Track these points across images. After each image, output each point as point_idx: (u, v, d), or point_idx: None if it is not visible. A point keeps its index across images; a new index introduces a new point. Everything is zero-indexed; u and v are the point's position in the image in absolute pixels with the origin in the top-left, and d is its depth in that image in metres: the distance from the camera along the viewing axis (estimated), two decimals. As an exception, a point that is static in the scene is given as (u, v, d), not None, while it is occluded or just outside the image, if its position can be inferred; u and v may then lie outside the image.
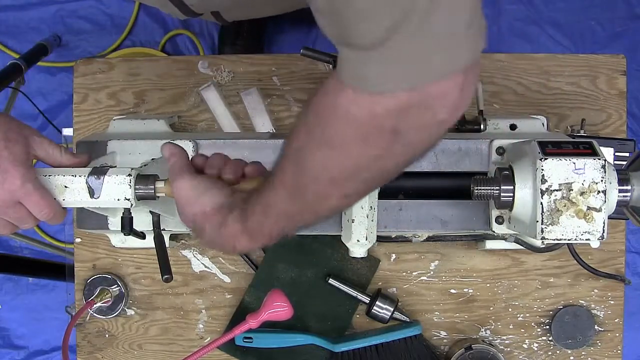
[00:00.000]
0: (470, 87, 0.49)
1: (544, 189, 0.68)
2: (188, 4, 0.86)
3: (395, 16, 0.43)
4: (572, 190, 0.68)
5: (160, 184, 0.71)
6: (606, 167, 0.68)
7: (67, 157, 0.74)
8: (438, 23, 0.44)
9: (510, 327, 1.00)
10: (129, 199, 0.70)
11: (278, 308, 0.78)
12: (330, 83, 0.50)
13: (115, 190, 0.69)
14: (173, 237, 0.98)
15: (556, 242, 0.70)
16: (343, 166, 0.52)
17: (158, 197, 0.72)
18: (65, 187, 0.70)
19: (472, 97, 0.52)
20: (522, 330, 1.00)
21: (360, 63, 0.46)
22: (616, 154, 0.86)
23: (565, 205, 0.68)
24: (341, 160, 0.52)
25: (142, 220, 0.79)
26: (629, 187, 0.71)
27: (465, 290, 1.00)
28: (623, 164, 0.85)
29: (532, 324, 1.00)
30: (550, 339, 0.99)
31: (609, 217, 0.70)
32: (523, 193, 0.72)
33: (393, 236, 0.95)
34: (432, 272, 1.00)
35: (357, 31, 0.45)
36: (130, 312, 1.02)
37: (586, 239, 0.69)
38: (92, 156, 0.78)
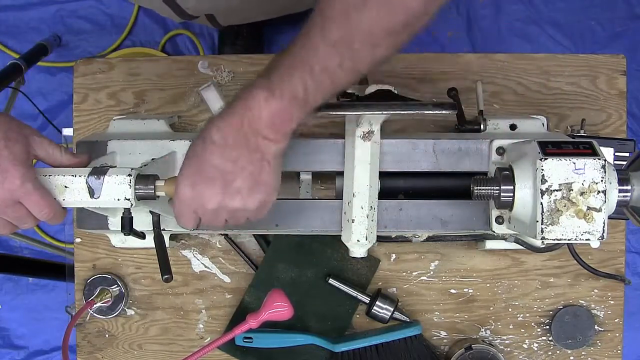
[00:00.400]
0: None
1: (544, 189, 0.68)
2: (183, 7, 0.87)
3: None
4: (572, 190, 0.68)
5: (160, 182, 0.71)
6: (606, 167, 0.68)
7: (67, 157, 0.74)
8: None
9: (510, 327, 1.00)
10: (129, 199, 0.70)
11: (278, 308, 0.79)
12: None
13: (115, 190, 0.69)
14: (173, 237, 0.98)
15: (556, 242, 0.70)
16: (399, 16, 0.57)
17: (158, 197, 0.72)
18: (65, 187, 0.70)
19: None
20: (522, 330, 1.00)
21: None
22: (616, 154, 0.86)
23: (565, 205, 0.68)
24: (398, 10, 0.57)
25: (142, 220, 0.79)
26: (629, 187, 0.71)
27: (465, 290, 1.00)
28: (623, 164, 0.85)
29: (532, 324, 1.00)
30: (550, 339, 0.99)
31: (609, 217, 0.70)
32: (523, 193, 0.72)
33: (393, 236, 0.95)
34: (432, 272, 1.00)
35: None
36: (130, 312, 1.02)
37: (586, 239, 0.69)
38: (92, 156, 0.78)
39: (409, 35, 0.60)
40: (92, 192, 0.70)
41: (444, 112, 0.76)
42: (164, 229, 0.80)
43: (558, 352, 0.99)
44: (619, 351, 0.99)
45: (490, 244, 0.93)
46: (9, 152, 0.67)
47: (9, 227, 0.71)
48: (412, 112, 0.74)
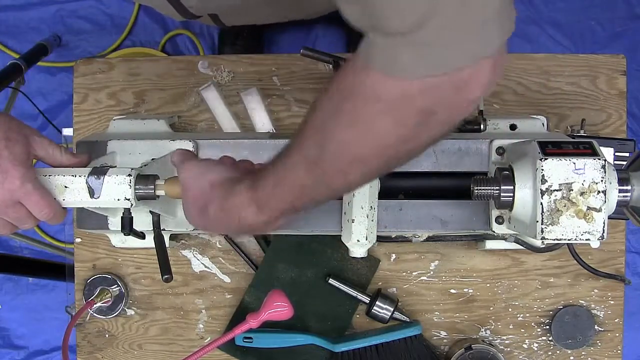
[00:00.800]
0: (501, 67, 0.50)
1: (544, 189, 0.68)
2: (187, 5, 0.87)
3: (430, 3, 0.44)
4: (572, 190, 0.68)
5: (160, 182, 0.72)
6: (606, 167, 0.68)
7: (67, 157, 0.74)
8: (472, 10, 0.45)
9: (510, 327, 1.00)
10: (129, 199, 0.70)
11: (278, 308, 0.78)
12: (355, 65, 0.51)
13: (115, 190, 0.69)
14: (173, 237, 0.98)
15: (556, 242, 0.70)
16: (368, 144, 0.53)
17: (158, 196, 0.72)
18: (65, 187, 0.70)
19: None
20: (522, 330, 1.00)
21: (392, 48, 0.47)
22: (616, 154, 0.86)
23: (565, 205, 0.68)
24: (367, 138, 0.53)
25: (142, 220, 0.79)
26: (629, 187, 0.71)
27: (465, 290, 1.00)
28: (623, 164, 0.85)
29: (532, 324, 1.00)
30: (550, 339, 0.99)
31: (609, 217, 0.70)
32: (523, 193, 0.72)
33: (393, 236, 0.95)
34: (432, 272, 1.00)
35: (390, 18, 0.46)
36: (130, 312, 1.02)
37: (586, 239, 0.69)
38: (92, 156, 0.78)
39: (385, 165, 0.56)
40: (92, 192, 0.70)
41: (444, 112, 0.75)
42: (164, 229, 0.80)
43: (558, 352, 0.99)
44: (619, 351, 0.99)
45: (490, 244, 0.93)
46: (9, 152, 0.67)
47: (9, 227, 0.71)
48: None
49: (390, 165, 0.57)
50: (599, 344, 0.99)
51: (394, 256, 1.00)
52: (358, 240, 0.80)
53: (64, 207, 0.72)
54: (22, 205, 0.68)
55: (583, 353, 0.99)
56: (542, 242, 0.75)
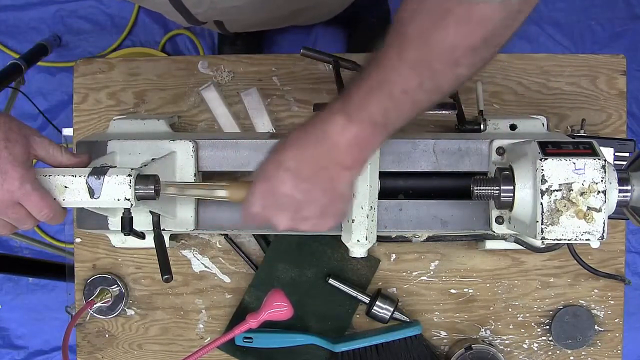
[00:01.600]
0: None
1: (544, 189, 0.68)
2: (193, 12, 0.86)
3: None
4: (572, 190, 0.68)
5: (222, 192, 0.72)
6: (606, 167, 0.68)
7: (68, 156, 0.74)
8: None
9: (510, 327, 1.00)
10: (129, 199, 0.70)
11: (278, 308, 0.79)
12: None
13: (115, 190, 0.69)
14: (173, 237, 0.98)
15: (556, 242, 0.70)
16: (477, 33, 0.56)
17: (158, 197, 0.72)
18: (65, 187, 0.70)
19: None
20: (522, 330, 1.00)
21: None
22: (616, 154, 0.86)
23: (565, 206, 0.68)
24: (476, 28, 0.56)
25: (142, 220, 0.79)
26: (629, 187, 0.71)
27: (465, 290, 1.00)
28: (623, 164, 0.85)
29: (532, 324, 1.00)
30: (550, 339, 0.99)
31: (609, 217, 0.70)
32: (523, 193, 0.72)
33: (393, 236, 0.95)
34: (432, 272, 1.00)
35: None
36: (130, 312, 1.02)
37: (586, 239, 0.69)
38: (92, 156, 0.78)
39: (490, 51, 0.58)
40: (92, 192, 0.69)
41: (444, 112, 0.76)
42: (164, 229, 0.80)
43: (558, 352, 0.99)
44: (619, 351, 0.99)
45: (490, 244, 0.93)
46: (8, 152, 0.67)
47: (9, 227, 0.71)
48: (412, 112, 0.74)
49: (494, 52, 0.59)
50: (599, 344, 0.99)
51: (394, 256, 1.00)
52: (358, 240, 0.80)
53: (63, 208, 0.72)
54: (22, 205, 0.68)
55: (583, 353, 0.99)
56: (542, 242, 0.75)
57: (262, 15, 0.98)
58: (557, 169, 0.68)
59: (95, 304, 0.97)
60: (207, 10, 0.87)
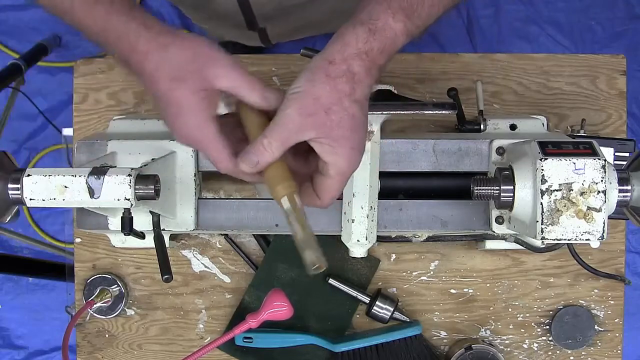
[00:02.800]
0: None
1: (544, 189, 0.68)
2: (256, 12, 0.84)
3: None
4: (572, 190, 0.68)
5: (286, 204, 0.63)
6: (606, 167, 0.68)
7: (259, 94, 0.63)
8: None
9: (510, 327, 1.00)
10: (129, 199, 0.70)
11: (278, 308, 0.78)
12: None
13: (115, 190, 0.69)
14: (173, 237, 0.98)
15: (556, 242, 0.70)
16: None
17: (158, 197, 0.72)
18: (65, 187, 0.70)
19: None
20: (522, 330, 1.00)
21: None
22: (616, 154, 0.86)
23: (565, 206, 0.68)
24: None
25: (142, 220, 0.79)
26: (629, 187, 0.71)
27: (465, 290, 1.00)
28: (623, 164, 0.85)
29: (532, 324, 1.00)
30: (550, 339, 0.99)
31: (609, 217, 0.70)
32: (523, 193, 0.72)
33: (393, 236, 0.95)
34: (432, 272, 1.00)
35: None
36: (130, 312, 1.02)
37: (586, 239, 0.69)
38: (92, 156, 0.78)
39: None
40: (92, 192, 0.69)
41: (444, 112, 0.76)
42: (164, 229, 0.80)
43: (558, 352, 0.99)
44: (619, 351, 0.99)
45: (490, 244, 0.93)
46: (180, 93, 0.61)
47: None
48: (412, 112, 0.75)
49: None
50: (599, 344, 0.99)
51: (394, 256, 1.00)
52: (358, 240, 0.80)
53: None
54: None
55: (583, 353, 0.99)
56: (542, 242, 0.75)
57: (309, 16, 0.96)
58: (557, 169, 0.68)
59: (95, 304, 0.97)
60: (270, 10, 0.84)
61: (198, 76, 0.62)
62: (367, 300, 0.97)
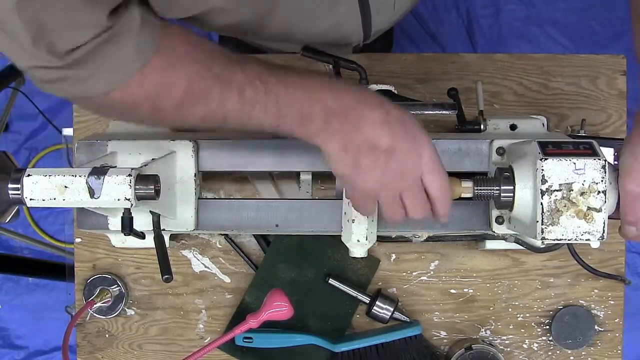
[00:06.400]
0: None
1: (544, 189, 0.68)
2: (374, 20, 0.82)
3: None
4: (572, 190, 0.68)
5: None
6: (606, 168, 0.68)
7: None
8: None
9: (510, 327, 1.00)
10: (129, 199, 0.70)
11: (278, 308, 0.79)
12: None
13: (116, 191, 0.69)
14: (173, 237, 0.98)
15: (556, 242, 0.70)
16: None
17: (158, 197, 0.72)
18: (65, 187, 0.70)
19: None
20: (522, 330, 1.00)
21: None
22: (616, 154, 0.86)
23: (565, 206, 0.68)
24: None
25: (142, 221, 0.79)
26: (629, 187, 0.71)
27: (465, 290, 1.00)
28: (623, 164, 0.85)
29: (532, 324, 1.00)
30: (550, 339, 0.99)
31: (609, 217, 0.70)
32: (523, 193, 0.72)
33: (393, 236, 0.95)
34: (432, 272, 1.00)
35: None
36: (130, 312, 1.02)
37: (586, 239, 0.69)
38: (91, 156, 0.78)
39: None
40: (92, 192, 0.69)
41: (444, 112, 0.76)
42: (164, 229, 0.80)
43: (558, 352, 0.99)
44: (619, 351, 0.99)
45: (490, 244, 0.93)
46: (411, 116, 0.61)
47: (400, 214, 0.64)
48: (412, 112, 0.74)
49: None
50: (599, 344, 0.99)
51: (394, 256, 1.00)
52: (358, 240, 0.80)
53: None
54: (422, 184, 0.63)
55: (583, 353, 0.99)
56: (542, 242, 0.75)
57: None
58: (557, 169, 0.68)
59: (95, 304, 0.97)
60: (385, 13, 0.82)
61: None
62: (367, 300, 0.97)
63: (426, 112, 0.75)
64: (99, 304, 0.98)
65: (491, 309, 1.00)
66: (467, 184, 0.71)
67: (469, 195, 0.71)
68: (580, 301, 0.99)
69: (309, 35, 0.81)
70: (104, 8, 0.54)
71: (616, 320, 0.99)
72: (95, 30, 0.54)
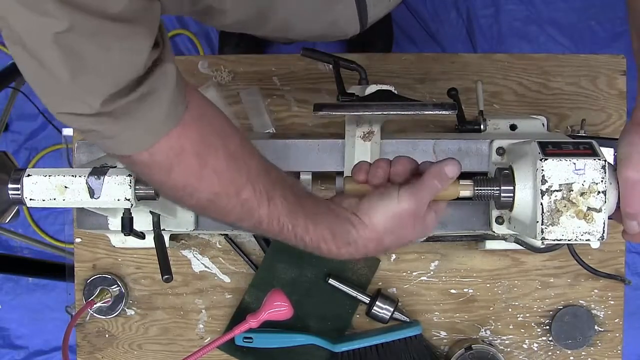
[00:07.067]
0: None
1: (544, 190, 0.68)
2: (370, 13, 0.83)
3: None
4: (572, 190, 0.68)
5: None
6: (606, 168, 0.68)
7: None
8: None
9: (510, 327, 1.00)
10: (129, 199, 0.69)
11: (278, 308, 0.78)
12: None
13: (116, 191, 0.69)
14: (173, 237, 0.98)
15: (556, 242, 0.70)
16: None
17: (158, 197, 0.72)
18: (65, 187, 0.70)
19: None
20: (522, 330, 1.00)
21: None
22: (616, 154, 0.86)
23: (565, 206, 0.68)
24: None
25: (142, 221, 0.79)
26: (629, 188, 0.71)
27: (465, 290, 1.00)
28: (623, 164, 0.85)
29: (532, 324, 1.00)
30: (550, 339, 0.99)
31: (609, 218, 0.70)
32: (523, 193, 0.72)
33: (393, 236, 0.95)
34: (432, 272, 1.00)
35: None
36: (130, 312, 1.02)
37: (586, 240, 0.68)
38: (92, 156, 0.78)
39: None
40: (92, 193, 0.69)
41: (444, 112, 0.76)
42: (164, 229, 0.80)
43: (558, 352, 0.99)
44: (619, 351, 0.99)
45: (490, 244, 0.93)
46: None
47: None
48: (412, 112, 0.74)
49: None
50: (599, 344, 0.99)
51: (394, 256, 1.00)
52: (358, 241, 0.80)
53: None
54: None
55: (583, 353, 0.99)
56: (542, 242, 0.75)
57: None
58: (557, 169, 0.68)
59: (95, 304, 0.97)
60: (380, 4, 0.83)
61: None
62: (367, 300, 0.97)
63: (426, 112, 0.74)
64: (99, 304, 0.98)
65: (491, 309, 1.00)
66: (466, 182, 0.71)
67: (468, 194, 0.71)
68: (580, 301, 0.99)
69: (308, 31, 0.81)
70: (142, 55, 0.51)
71: (616, 320, 0.99)
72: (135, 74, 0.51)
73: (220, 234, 1.00)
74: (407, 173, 0.68)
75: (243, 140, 0.64)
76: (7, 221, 0.75)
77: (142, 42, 0.51)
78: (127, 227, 0.74)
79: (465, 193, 0.72)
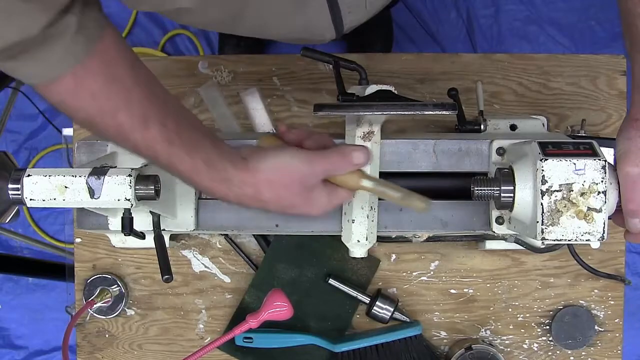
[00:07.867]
0: None
1: (544, 190, 0.68)
2: (345, 19, 0.82)
3: None
4: (572, 190, 0.68)
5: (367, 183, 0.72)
6: (606, 168, 0.68)
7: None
8: None
9: (510, 327, 1.00)
10: (129, 199, 0.69)
11: (278, 308, 0.78)
12: None
13: (116, 191, 0.69)
14: (173, 237, 0.98)
15: (556, 242, 0.70)
16: None
17: (158, 197, 0.72)
18: (65, 187, 0.70)
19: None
20: (522, 330, 1.00)
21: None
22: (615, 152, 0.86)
23: (565, 206, 0.68)
24: None
25: (142, 221, 0.79)
26: (629, 188, 0.71)
27: (465, 290, 1.00)
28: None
29: (532, 324, 1.00)
30: (550, 339, 0.99)
31: (609, 218, 0.70)
32: (523, 194, 0.72)
33: (393, 236, 0.95)
34: (432, 272, 1.00)
35: None
36: (130, 312, 1.02)
37: (586, 240, 0.69)
38: (92, 156, 0.78)
39: None
40: (92, 193, 0.69)
41: (444, 112, 0.76)
42: (164, 229, 0.80)
43: (558, 352, 1.00)
44: (619, 351, 0.99)
45: (490, 244, 0.93)
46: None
47: None
48: (412, 112, 0.74)
49: None
50: (599, 344, 0.99)
51: (394, 256, 1.00)
52: (358, 241, 0.80)
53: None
54: None
55: (583, 353, 0.99)
56: (542, 242, 0.75)
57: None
58: (557, 170, 0.68)
59: (95, 304, 0.97)
60: (357, 12, 0.83)
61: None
62: (367, 300, 0.97)
63: (426, 112, 0.75)
64: (99, 304, 0.98)
65: (491, 309, 1.00)
66: (370, 177, 0.73)
67: (369, 187, 0.72)
68: (580, 301, 0.99)
69: (282, 33, 0.81)
70: (42, 14, 0.54)
71: (616, 321, 0.99)
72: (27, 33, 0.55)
73: (220, 234, 1.00)
74: (320, 148, 0.70)
75: (135, 66, 0.64)
76: (7, 221, 0.75)
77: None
78: (127, 227, 0.74)
79: (367, 185, 0.72)
